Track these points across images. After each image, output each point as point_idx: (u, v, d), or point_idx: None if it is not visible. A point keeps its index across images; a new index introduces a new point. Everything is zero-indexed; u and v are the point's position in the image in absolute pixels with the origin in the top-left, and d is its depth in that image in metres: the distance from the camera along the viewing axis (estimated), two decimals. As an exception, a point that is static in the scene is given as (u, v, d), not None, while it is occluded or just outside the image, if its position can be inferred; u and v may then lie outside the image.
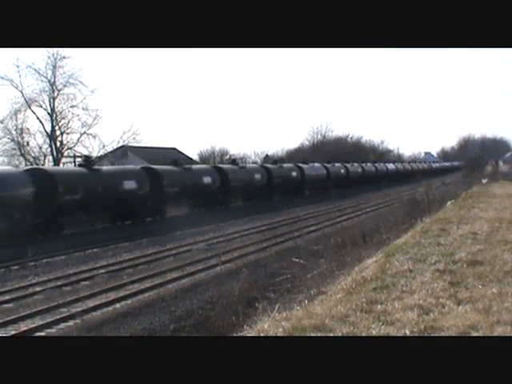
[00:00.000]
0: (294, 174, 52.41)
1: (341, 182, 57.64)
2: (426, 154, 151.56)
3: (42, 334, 11.97)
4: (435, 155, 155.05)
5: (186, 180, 36.78)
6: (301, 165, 54.88)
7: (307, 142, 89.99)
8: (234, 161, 49.27)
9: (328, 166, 60.10)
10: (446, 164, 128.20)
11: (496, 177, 56.91)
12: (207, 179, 39.35)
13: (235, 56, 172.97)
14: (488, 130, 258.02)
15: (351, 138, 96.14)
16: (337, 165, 63.18)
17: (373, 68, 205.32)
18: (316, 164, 58.81)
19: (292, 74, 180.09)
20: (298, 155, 72.38)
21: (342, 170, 63.75)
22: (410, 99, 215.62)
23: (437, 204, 27.25)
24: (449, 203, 27.03)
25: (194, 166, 42.13)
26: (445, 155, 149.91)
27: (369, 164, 75.47)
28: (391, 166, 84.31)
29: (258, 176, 46.37)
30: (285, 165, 53.38)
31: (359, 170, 69.28)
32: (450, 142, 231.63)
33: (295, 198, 46.82)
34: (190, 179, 37.13)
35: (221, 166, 44.66)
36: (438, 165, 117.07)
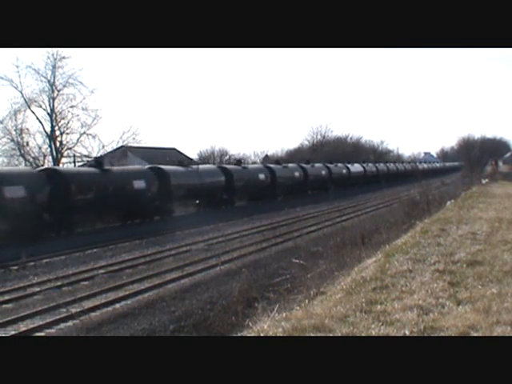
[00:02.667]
0: (297, 174, 52.52)
1: (343, 182, 57.95)
2: (425, 154, 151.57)
3: (42, 334, 11.98)
4: (435, 155, 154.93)
5: (193, 180, 37.22)
6: (304, 165, 55.00)
7: (307, 142, 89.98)
8: (238, 161, 49.67)
9: (330, 166, 60.22)
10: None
11: (495, 177, 56.80)
12: (213, 179, 39.71)
13: (235, 56, 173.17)
14: (488, 130, 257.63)
15: (351, 138, 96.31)
16: (339, 165, 63.36)
17: (372, 68, 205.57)
18: (319, 164, 58.92)
19: (292, 74, 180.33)
20: (297, 155, 72.42)
21: (344, 171, 63.91)
22: (410, 99, 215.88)
23: (436, 204, 27.24)
24: (448, 203, 27.02)
25: (200, 166, 42.58)
26: (444, 155, 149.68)
27: (370, 164, 75.60)
28: (392, 166, 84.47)
29: (262, 176, 46.64)
30: (288, 165, 53.52)
31: (360, 170, 69.40)
32: (450, 142, 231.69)
33: (298, 198, 47.01)
34: (196, 179, 37.60)
35: (226, 166, 44.93)
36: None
